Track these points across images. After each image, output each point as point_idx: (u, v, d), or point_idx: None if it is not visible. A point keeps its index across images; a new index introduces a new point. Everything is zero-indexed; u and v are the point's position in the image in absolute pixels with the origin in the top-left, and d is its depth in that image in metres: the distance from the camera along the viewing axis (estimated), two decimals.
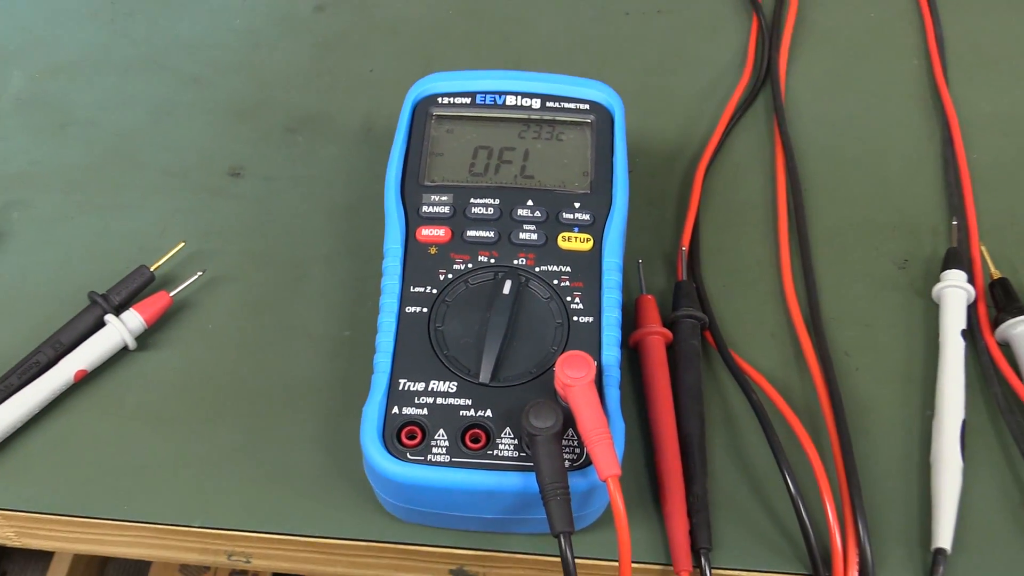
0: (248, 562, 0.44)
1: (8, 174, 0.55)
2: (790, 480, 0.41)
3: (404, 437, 0.39)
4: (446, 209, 0.46)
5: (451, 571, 0.43)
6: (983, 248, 0.52)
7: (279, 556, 0.43)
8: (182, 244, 0.50)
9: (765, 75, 0.62)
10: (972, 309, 0.49)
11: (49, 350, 0.46)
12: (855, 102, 0.61)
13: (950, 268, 0.50)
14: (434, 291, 0.43)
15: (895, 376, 0.48)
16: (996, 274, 0.51)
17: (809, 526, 0.40)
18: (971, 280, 0.50)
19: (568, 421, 0.38)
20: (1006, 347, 0.48)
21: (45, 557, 0.83)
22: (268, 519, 0.42)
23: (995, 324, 0.49)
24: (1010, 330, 0.48)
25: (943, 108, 0.60)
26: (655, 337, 0.46)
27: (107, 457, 0.44)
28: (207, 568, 0.85)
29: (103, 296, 0.47)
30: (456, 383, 0.40)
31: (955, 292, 0.49)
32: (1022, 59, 0.64)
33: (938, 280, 0.50)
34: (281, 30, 0.64)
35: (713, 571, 0.40)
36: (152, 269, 0.49)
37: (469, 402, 0.40)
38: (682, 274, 0.50)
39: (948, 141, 0.58)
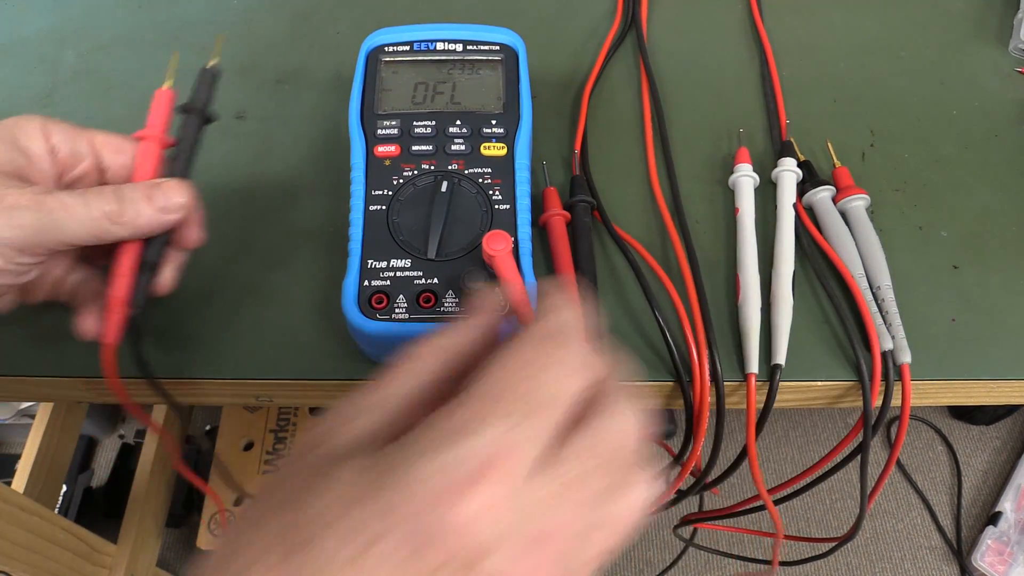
0: (271, 400, 0.41)
1: None
2: (659, 316, 0.39)
3: (374, 302, 0.36)
4: (395, 131, 0.41)
5: None
6: (792, 139, 0.49)
7: (294, 395, 0.41)
8: None
9: (631, 22, 0.57)
10: None
11: None
12: (697, 39, 0.56)
13: (784, 156, 0.47)
14: (390, 193, 0.39)
15: (732, 238, 0.45)
16: (801, 158, 0.48)
17: (674, 347, 0.39)
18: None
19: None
20: (810, 210, 0.46)
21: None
22: (283, 369, 0.39)
23: (802, 194, 0.46)
24: (812, 197, 0.46)
25: (761, 40, 0.55)
26: (558, 217, 0.43)
27: (168, 336, 0.40)
28: (260, 406, 0.82)
29: None
30: (410, 260, 0.37)
31: (788, 175, 0.46)
32: (818, 3, 0.59)
33: (775, 166, 0.47)
34: (267, 7, 0.58)
35: None
36: None
37: (420, 273, 0.37)
38: (576, 170, 0.47)
39: (765, 64, 0.54)
